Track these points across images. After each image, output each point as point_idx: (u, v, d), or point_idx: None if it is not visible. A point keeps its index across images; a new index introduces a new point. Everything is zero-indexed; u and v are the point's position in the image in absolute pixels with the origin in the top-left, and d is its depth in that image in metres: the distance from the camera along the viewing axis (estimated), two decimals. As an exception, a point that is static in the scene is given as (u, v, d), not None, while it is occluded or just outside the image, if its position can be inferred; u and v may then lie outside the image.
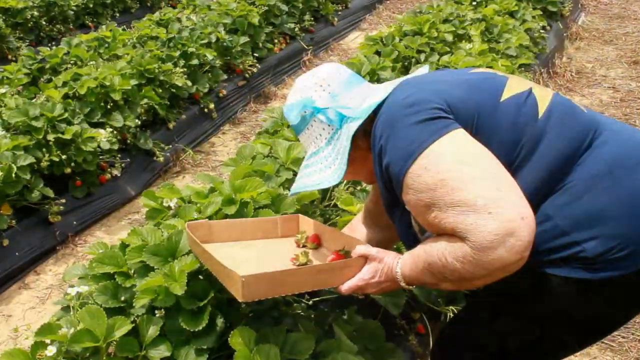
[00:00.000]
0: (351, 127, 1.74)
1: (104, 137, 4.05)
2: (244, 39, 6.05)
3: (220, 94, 5.67)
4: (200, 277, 2.19)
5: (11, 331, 3.20)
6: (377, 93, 1.79)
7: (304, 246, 2.21)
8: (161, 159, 4.67)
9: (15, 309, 3.41)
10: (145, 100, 4.68)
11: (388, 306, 2.38)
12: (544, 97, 1.70)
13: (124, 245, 2.39)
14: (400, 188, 1.61)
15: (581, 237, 1.55)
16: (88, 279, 2.33)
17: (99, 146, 4.07)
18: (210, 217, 2.52)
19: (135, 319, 2.13)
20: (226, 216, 2.47)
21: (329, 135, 1.85)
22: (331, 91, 1.86)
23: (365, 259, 1.83)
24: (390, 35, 5.06)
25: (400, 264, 1.74)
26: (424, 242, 1.66)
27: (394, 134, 1.61)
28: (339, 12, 8.21)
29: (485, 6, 6.14)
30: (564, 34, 7.27)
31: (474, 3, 6.49)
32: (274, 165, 2.97)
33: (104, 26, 6.11)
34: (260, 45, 6.41)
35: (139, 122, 4.57)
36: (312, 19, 7.53)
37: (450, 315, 2.54)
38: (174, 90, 5.01)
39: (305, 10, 7.46)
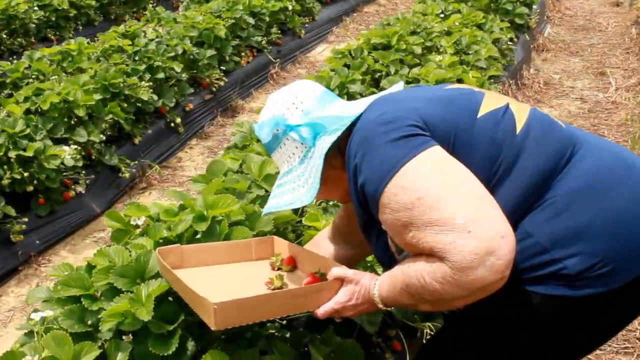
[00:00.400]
0: (324, 145, 1.71)
1: (67, 153, 3.96)
2: (210, 52, 6.00)
3: (187, 108, 5.60)
4: (170, 299, 2.13)
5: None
6: (352, 110, 1.76)
7: (279, 269, 2.16)
8: (127, 175, 4.58)
9: (-24, 332, 3.30)
10: (110, 116, 4.59)
11: (364, 324, 2.34)
12: (521, 112, 1.68)
13: (90, 267, 2.32)
14: (377, 207, 1.57)
15: (562, 254, 1.53)
16: (52, 302, 2.25)
17: (62, 163, 3.97)
18: (180, 235, 2.46)
19: (103, 343, 2.06)
20: (195, 234, 2.41)
21: (302, 154, 1.81)
22: (304, 108, 1.82)
23: (341, 281, 1.78)
24: (359, 48, 5.04)
25: (378, 285, 1.70)
26: (401, 262, 1.63)
27: (369, 152, 1.58)
28: (306, 25, 8.20)
29: (448, 17, 6.17)
30: (531, 46, 7.34)
31: (442, 15, 6.52)
32: (245, 181, 2.92)
33: (67, 39, 5.99)
34: (227, 58, 6.35)
35: (104, 138, 4.49)
36: (280, 31, 7.50)
37: (427, 332, 2.51)
38: (139, 105, 4.94)
39: (272, 23, 7.42)
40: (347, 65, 4.84)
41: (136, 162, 4.79)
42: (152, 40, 5.78)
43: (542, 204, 1.58)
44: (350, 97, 4.23)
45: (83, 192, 4.22)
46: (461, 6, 6.78)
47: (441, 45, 5.31)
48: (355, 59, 4.95)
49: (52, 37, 7.75)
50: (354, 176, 1.63)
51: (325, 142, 1.71)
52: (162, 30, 6.21)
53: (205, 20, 6.32)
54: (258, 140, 3.45)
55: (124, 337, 2.06)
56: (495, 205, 1.45)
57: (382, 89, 4.29)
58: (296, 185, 1.80)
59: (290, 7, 7.75)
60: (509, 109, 1.67)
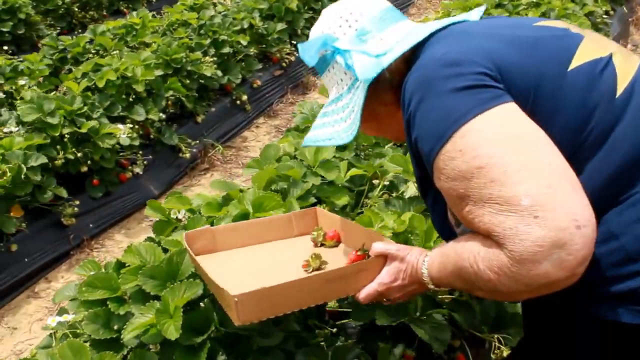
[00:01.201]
0: (367, 76, 1.45)
1: (122, 132, 3.82)
2: (280, 26, 5.77)
3: (255, 85, 5.41)
4: (202, 304, 1.93)
5: (14, 347, 3.00)
6: (414, 35, 1.45)
7: (321, 245, 1.94)
8: (187, 155, 4.43)
9: (22, 320, 3.22)
10: (171, 92, 4.44)
11: (432, 343, 2.09)
12: (626, 68, 1.35)
13: (119, 265, 2.15)
14: (431, 171, 1.32)
15: None
16: (79, 303, 2.09)
17: (118, 143, 3.84)
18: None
19: (127, 353, 1.89)
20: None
21: (350, 82, 1.55)
22: (359, 27, 1.53)
23: (384, 258, 1.58)
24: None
25: (427, 263, 1.47)
26: (457, 239, 1.37)
27: (426, 101, 1.30)
28: None
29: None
30: (629, 19, 6.81)
31: (531, -15, 6.10)
32: (300, 169, 2.69)
33: (134, 13, 5.89)
34: (299, 32, 6.13)
35: (164, 116, 4.35)
36: (358, 3, 7.21)
37: (495, 344, 2.25)
38: (202, 81, 4.77)
39: (350, -6, 7.13)
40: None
41: (198, 141, 4.63)
42: (219, 13, 5.61)
43: (632, 195, 1.26)
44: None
45: (140, 173, 4.10)
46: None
47: (529, 18, 4.92)
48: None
49: (125, 9, 7.71)
50: (407, 125, 1.36)
51: (368, 71, 1.44)
52: (230, 3, 6.03)
53: (277, -9, 6.09)
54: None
55: (150, 347, 1.89)
56: (575, 185, 1.16)
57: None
58: (339, 117, 1.57)
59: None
60: (611, 62, 1.34)
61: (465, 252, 1.28)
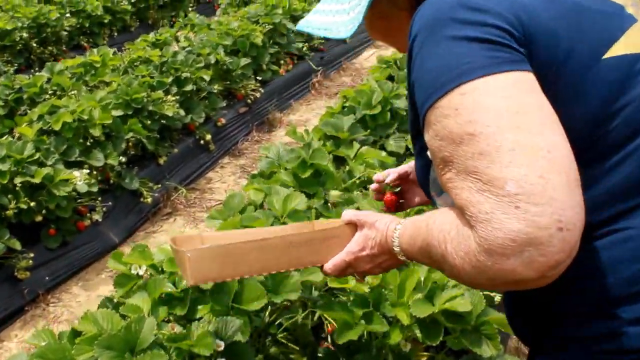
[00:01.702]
0: None
1: (79, 179, 3.67)
2: (245, 61, 5.68)
3: (219, 123, 5.30)
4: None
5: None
6: None
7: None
8: (149, 199, 4.29)
9: (-29, 385, 3.03)
10: (132, 134, 4.30)
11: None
12: None
13: (74, 334, 2.01)
14: (422, 123, 1.17)
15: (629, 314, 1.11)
16: (30, 376, 1.95)
17: (75, 189, 3.69)
18: (186, 291, 2.16)
19: None
20: (203, 291, 2.09)
21: None
22: None
23: (355, 226, 1.48)
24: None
25: (399, 232, 1.35)
26: (432, 211, 1.25)
27: (432, 42, 1.14)
28: (353, 28, 7.82)
29: None
30: None
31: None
32: (266, 219, 2.58)
33: (95, 50, 5.74)
34: (264, 67, 6.04)
35: (124, 160, 4.21)
36: (323, 37, 7.14)
37: None
38: (164, 121, 4.64)
39: (315, 28, 7.07)
40: (391, 77, 4.47)
41: (160, 185, 4.48)
42: (183, 49, 5.51)
43: (614, 233, 1.13)
44: (395, 114, 3.87)
45: (100, 220, 3.93)
46: None
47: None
48: (401, 69, 4.57)
49: (86, 44, 7.57)
50: (409, 60, 1.20)
51: None
52: (195, 38, 5.93)
53: (241, 26, 6.00)
54: (286, 168, 3.11)
55: None
56: (572, 181, 1.01)
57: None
58: (342, 8, 1.39)
59: (334, 10, 7.39)
60: None
61: (436, 230, 1.16)
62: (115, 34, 8.12)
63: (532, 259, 0.96)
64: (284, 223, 2.59)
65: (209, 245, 1.43)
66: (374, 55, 7.54)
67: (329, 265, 1.49)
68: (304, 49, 6.74)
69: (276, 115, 5.89)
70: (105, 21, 7.90)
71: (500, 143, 1.01)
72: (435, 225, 1.16)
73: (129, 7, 8.21)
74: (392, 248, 1.37)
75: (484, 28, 1.10)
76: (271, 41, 6.33)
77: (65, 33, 7.34)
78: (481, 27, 1.10)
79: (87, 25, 7.69)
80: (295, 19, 6.75)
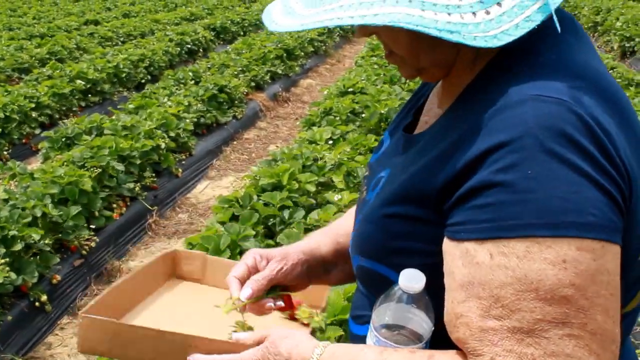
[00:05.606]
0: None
1: None
2: (75, 209, 5.63)
3: (54, 280, 5.17)
4: None
5: None
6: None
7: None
8: (-16, 377, 4.09)
9: None
10: (-42, 308, 4.13)
11: None
12: None
13: None
14: (483, 236, 1.04)
15: None
16: None
17: None
18: None
19: None
20: None
21: None
22: None
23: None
24: (247, 195, 4.85)
25: (327, 353, 1.19)
26: (379, 347, 1.16)
27: (549, 155, 1.00)
28: (183, 162, 7.95)
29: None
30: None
31: (330, 142, 6.46)
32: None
33: None
34: (97, 214, 6.00)
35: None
36: (154, 173, 7.22)
37: None
38: (-6, 288, 4.48)
39: (145, 166, 7.15)
40: (235, 217, 4.62)
41: (-7, 360, 4.30)
42: (5, 202, 5.39)
43: None
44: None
45: None
46: (349, 128, 6.80)
47: (336, 181, 5.21)
48: (244, 207, 4.74)
49: None
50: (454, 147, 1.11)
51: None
52: (16, 189, 5.82)
53: (68, 172, 5.96)
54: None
55: None
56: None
57: (279, 243, 4.06)
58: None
59: (163, 145, 7.50)
60: None
61: None
62: None
63: None
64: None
65: (107, 317, 1.40)
66: (209, 188, 7.70)
67: None
68: (136, 189, 6.77)
69: (114, 264, 5.83)
70: None
71: (587, 321, 0.98)
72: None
73: None
74: None
75: (607, 177, 1.02)
76: (101, 185, 6.33)
77: None
78: (604, 174, 1.01)
79: None
80: (123, 159, 6.80)
